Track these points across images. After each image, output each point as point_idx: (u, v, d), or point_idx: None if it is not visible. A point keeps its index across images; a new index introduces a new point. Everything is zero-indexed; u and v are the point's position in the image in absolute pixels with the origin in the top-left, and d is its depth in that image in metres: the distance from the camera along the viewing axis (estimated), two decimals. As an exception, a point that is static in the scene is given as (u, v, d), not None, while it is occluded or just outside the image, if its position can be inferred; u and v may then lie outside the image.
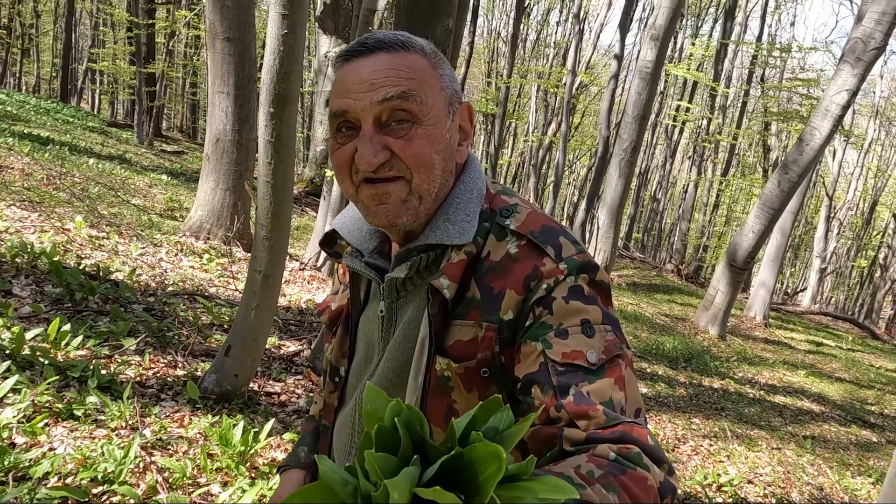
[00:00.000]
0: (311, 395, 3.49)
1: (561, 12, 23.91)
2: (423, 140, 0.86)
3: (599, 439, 0.76)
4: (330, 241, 1.07)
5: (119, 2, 22.78)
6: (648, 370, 6.79)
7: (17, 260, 3.97)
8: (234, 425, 2.72)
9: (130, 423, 2.65)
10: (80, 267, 4.21)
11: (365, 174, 0.86)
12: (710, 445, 5.05)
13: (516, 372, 0.85)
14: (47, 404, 2.58)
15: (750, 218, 9.39)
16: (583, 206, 15.82)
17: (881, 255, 25.13)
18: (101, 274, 4.18)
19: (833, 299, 29.25)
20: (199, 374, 3.25)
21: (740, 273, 9.63)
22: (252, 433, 2.75)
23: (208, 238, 5.97)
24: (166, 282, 4.61)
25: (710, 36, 23.71)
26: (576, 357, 0.81)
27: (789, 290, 27.05)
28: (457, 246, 0.89)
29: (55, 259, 4.04)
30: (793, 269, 30.83)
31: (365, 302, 1.04)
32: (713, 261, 23.74)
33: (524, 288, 0.85)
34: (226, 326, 4.12)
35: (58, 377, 2.78)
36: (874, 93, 23.42)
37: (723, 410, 6.05)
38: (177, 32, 19.69)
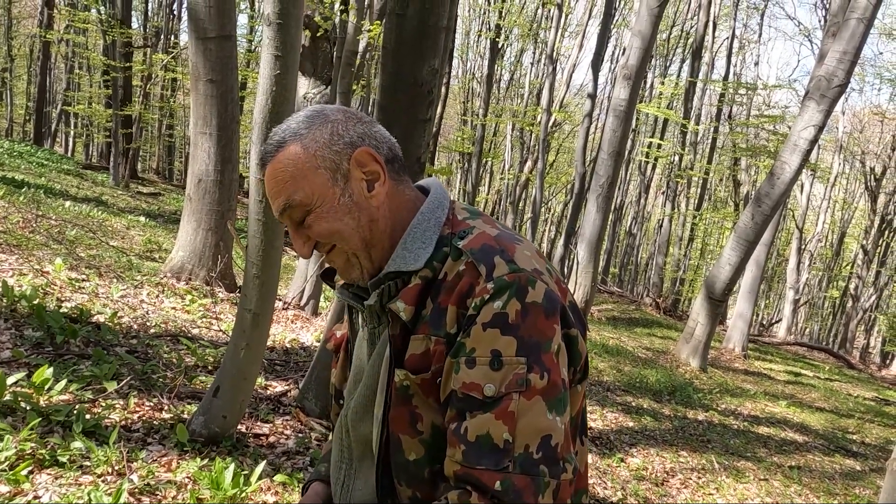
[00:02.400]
0: (300, 435, 3.44)
1: (534, 53, 24.50)
2: (321, 221, 0.97)
3: (457, 477, 0.88)
4: (330, 275, 1.19)
5: (95, 46, 22.82)
6: (633, 403, 6.80)
7: (-4, 304, 3.88)
8: (225, 468, 2.67)
9: (117, 468, 2.58)
10: (61, 310, 4.13)
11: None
12: (699, 478, 5.05)
13: (442, 382, 0.94)
14: (31, 451, 2.51)
15: (726, 251, 9.56)
16: (561, 241, 15.98)
17: (852, 286, 25.64)
18: (82, 316, 4.10)
19: (808, 330, 29.66)
20: (185, 416, 3.19)
21: (719, 305, 9.75)
22: (243, 476, 2.69)
23: (190, 279, 5.90)
24: (148, 324, 4.54)
25: (679, 75, 24.43)
26: (472, 389, 0.88)
27: (765, 322, 27.39)
28: (416, 271, 0.97)
29: (35, 302, 3.96)
30: (767, 301, 31.29)
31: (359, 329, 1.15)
32: (690, 294, 24.01)
33: (461, 304, 0.92)
34: (210, 368, 4.06)
35: (41, 422, 2.71)
36: (837, 129, 24.21)
37: (709, 442, 6.06)
38: (153, 75, 19.75)
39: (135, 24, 21.22)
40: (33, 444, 2.54)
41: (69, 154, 25.41)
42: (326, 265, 1.15)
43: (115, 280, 5.36)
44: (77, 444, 2.63)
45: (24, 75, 30.45)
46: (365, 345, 1.09)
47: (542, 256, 0.99)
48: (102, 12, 16.78)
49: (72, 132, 27.44)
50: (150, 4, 23.46)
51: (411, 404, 0.96)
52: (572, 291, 10.78)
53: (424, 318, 0.95)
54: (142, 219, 10.18)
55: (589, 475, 1.07)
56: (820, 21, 23.56)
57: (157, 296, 5.33)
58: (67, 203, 9.25)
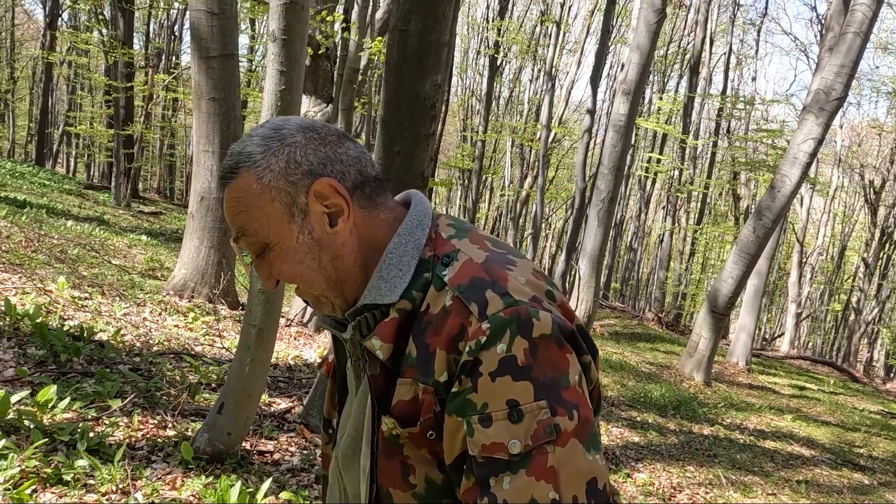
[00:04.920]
0: (304, 452, 3.41)
1: (533, 70, 24.68)
2: (278, 261, 0.88)
3: None
4: None
5: (97, 66, 23.01)
6: (638, 418, 6.75)
7: (0, 322, 3.88)
8: (231, 486, 2.64)
9: (121, 486, 2.56)
10: (64, 328, 4.12)
11: None
12: (707, 493, 5.00)
13: (444, 444, 0.81)
14: (35, 469, 2.49)
15: (728, 264, 9.55)
16: (562, 257, 15.98)
17: (854, 299, 25.60)
18: (85, 335, 4.09)
19: (811, 343, 29.55)
20: (189, 433, 3.17)
21: (722, 319, 9.72)
22: (248, 494, 2.67)
23: (192, 296, 5.90)
24: (151, 341, 4.53)
25: (677, 91, 24.60)
26: (496, 450, 0.76)
27: (767, 336, 27.31)
28: (393, 303, 0.85)
29: (38, 320, 3.95)
30: (769, 315, 31.21)
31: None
32: (692, 308, 23.96)
33: (452, 348, 0.80)
34: (213, 385, 4.04)
35: (45, 441, 2.69)
36: (836, 142, 24.31)
37: (715, 457, 6.02)
38: (155, 95, 19.89)
39: (136, 46, 21.41)
40: (37, 463, 2.52)
41: (71, 174, 25.51)
42: None
43: (117, 298, 5.35)
44: (81, 462, 2.61)
45: (27, 97, 30.67)
46: (352, 376, 0.98)
47: (541, 276, 0.87)
48: (105, 34, 16.95)
49: (73, 152, 27.58)
50: (151, 26, 23.68)
51: (402, 454, 0.85)
52: (574, 307, 10.70)
53: (411, 360, 0.83)
54: (143, 237, 10.20)
55: None
56: (816, 36, 23.79)
57: (160, 313, 5.32)
58: (69, 222, 9.26)
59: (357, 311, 0.90)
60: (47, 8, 21.09)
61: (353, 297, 0.90)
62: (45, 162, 22.31)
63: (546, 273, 0.93)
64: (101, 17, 17.74)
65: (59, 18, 22.40)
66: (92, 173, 27.83)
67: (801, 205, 22.58)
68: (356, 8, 5.73)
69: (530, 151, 22.02)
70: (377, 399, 0.86)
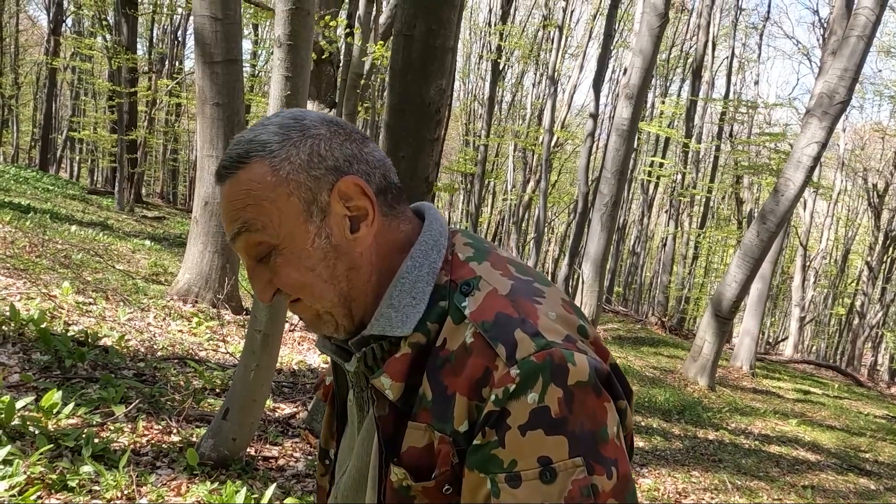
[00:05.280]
0: (309, 458, 3.40)
1: (535, 75, 24.71)
2: (286, 267, 0.76)
3: None
4: None
5: (101, 72, 23.10)
6: (643, 423, 6.73)
7: (4, 328, 3.88)
8: (236, 492, 2.64)
9: (127, 492, 2.56)
10: (69, 333, 4.12)
11: None
12: (712, 498, 4.98)
13: (463, 500, 0.72)
14: (40, 475, 2.49)
15: (732, 268, 9.53)
16: (565, 261, 15.96)
17: (858, 303, 25.53)
18: (89, 340, 4.09)
19: (814, 347, 29.47)
20: (194, 439, 3.16)
21: (726, 323, 9.69)
22: (253, 500, 2.66)
23: (196, 301, 5.90)
24: (155, 346, 4.53)
25: (679, 95, 24.61)
26: None
27: (771, 340, 27.24)
28: (405, 336, 0.76)
29: (43, 326, 3.95)
30: (773, 319, 31.15)
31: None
32: (695, 312, 23.93)
33: (474, 393, 0.70)
34: (218, 390, 4.03)
35: (50, 447, 2.68)
36: (839, 146, 24.29)
37: (720, 462, 5.99)
38: (158, 100, 19.96)
39: (140, 51, 21.50)
40: (42, 469, 2.52)
41: (74, 179, 25.58)
42: None
43: (121, 303, 5.35)
44: (86, 468, 2.60)
45: (31, 102, 30.77)
46: (354, 408, 0.88)
47: (570, 308, 0.78)
48: (108, 39, 17.01)
49: (77, 157, 27.66)
50: (154, 31, 23.76)
51: None
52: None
53: (425, 402, 0.74)
54: (147, 242, 10.21)
55: None
56: (818, 40, 23.79)
57: (164, 318, 5.32)
58: (73, 227, 9.28)
59: (362, 340, 0.80)
60: (51, 14, 21.19)
61: (360, 319, 0.79)
62: (49, 167, 22.38)
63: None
64: (104, 22, 17.82)
65: (63, 24, 22.50)
66: (95, 178, 27.90)
67: (805, 208, 22.55)
68: (360, 12, 5.74)
69: (533, 155, 22.04)
70: (385, 442, 0.76)
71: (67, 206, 12.63)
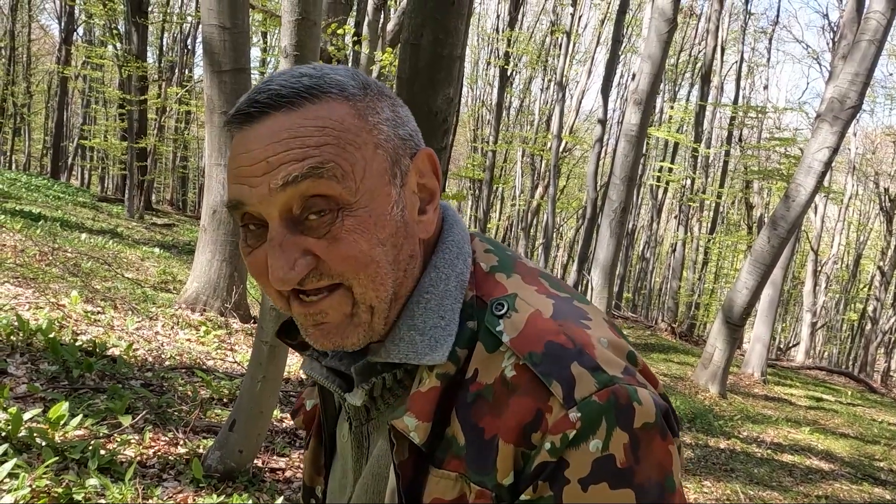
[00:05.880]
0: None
1: (543, 80, 24.70)
2: (356, 233, 0.59)
3: None
4: (291, 329, 0.78)
5: (111, 80, 23.28)
6: (653, 432, 6.67)
7: (13, 338, 3.88)
8: (242, 505, 2.62)
9: (133, 506, 2.54)
10: (77, 343, 4.12)
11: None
12: (725, 509, 4.91)
13: None
14: (46, 489, 2.47)
15: (742, 274, 9.45)
16: (573, 267, 15.91)
17: (870, 308, 25.29)
18: (97, 350, 4.09)
19: (826, 353, 29.22)
20: (201, 451, 3.15)
21: (737, 329, 9.62)
22: (260, 512, 2.64)
23: (204, 310, 5.90)
24: (163, 356, 4.53)
25: (688, 100, 24.53)
26: None
27: (782, 346, 27.02)
28: (429, 365, 0.63)
29: (51, 336, 3.96)
30: (784, 325, 30.91)
31: (341, 407, 0.78)
32: (706, 318, 23.77)
33: (522, 439, 0.58)
34: (226, 400, 4.02)
35: (56, 459, 2.67)
36: (849, 150, 24.13)
37: (732, 472, 5.92)
38: (168, 108, 20.08)
39: (150, 59, 21.66)
40: (48, 482, 2.51)
41: (85, 187, 25.77)
42: (287, 318, 0.74)
43: (130, 312, 5.36)
44: (92, 481, 2.59)
45: (43, 111, 31.07)
46: (350, 444, 0.74)
47: (615, 329, 0.65)
48: (119, 48, 17.14)
49: (88, 165, 27.87)
50: (164, 40, 23.96)
51: None
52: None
53: (456, 448, 0.61)
54: (156, 250, 10.25)
55: None
56: (828, 44, 23.67)
57: (172, 327, 5.32)
58: (83, 235, 9.33)
59: (368, 367, 0.66)
60: (63, 23, 21.40)
61: (380, 333, 0.65)
62: (61, 175, 22.56)
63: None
64: (115, 31, 17.96)
65: (75, 33, 22.72)
66: (106, 186, 28.12)
67: (816, 213, 22.40)
68: (367, 20, 5.75)
69: (541, 161, 22.01)
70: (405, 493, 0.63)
71: (78, 214, 12.71)
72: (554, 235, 21.73)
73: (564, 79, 17.80)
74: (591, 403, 0.57)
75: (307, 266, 0.59)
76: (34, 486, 2.45)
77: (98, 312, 5.06)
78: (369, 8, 5.94)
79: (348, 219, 0.59)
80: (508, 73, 20.92)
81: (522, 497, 0.58)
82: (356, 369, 0.67)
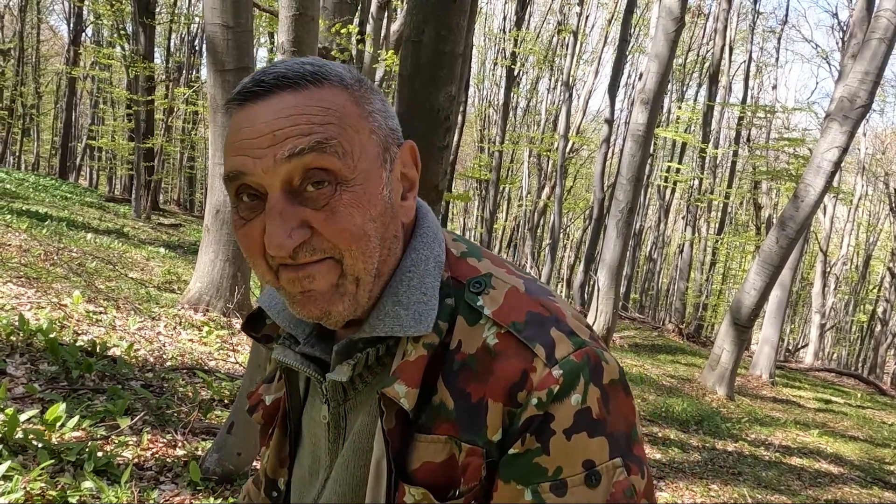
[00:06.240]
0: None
1: (550, 80, 24.63)
2: (352, 207, 0.64)
3: None
4: (257, 322, 0.82)
5: (119, 81, 23.37)
6: (660, 434, 6.60)
7: (13, 338, 3.86)
8: (239, 508, 2.57)
9: (128, 509, 2.51)
10: (77, 343, 4.10)
11: (281, 259, 0.66)
12: (732, 513, 4.84)
13: None
14: (40, 491, 2.44)
15: (750, 275, 9.37)
16: (580, 268, 15.83)
17: (880, 309, 25.08)
18: (98, 350, 4.07)
19: (835, 355, 29.00)
20: (200, 453, 3.11)
21: (745, 331, 9.53)
22: (257, 516, 2.60)
23: (207, 310, 5.88)
24: (165, 356, 4.50)
25: (696, 100, 24.39)
26: None
27: (790, 347, 26.84)
28: (414, 337, 0.68)
29: (51, 336, 3.94)
30: (792, 326, 30.70)
31: (306, 396, 0.82)
32: (713, 319, 23.63)
33: (509, 398, 0.64)
34: (226, 401, 3.99)
35: (52, 461, 2.64)
36: (859, 150, 23.93)
37: (740, 475, 5.85)
38: (175, 108, 20.13)
39: (157, 60, 21.71)
40: (43, 485, 2.48)
41: (93, 187, 25.88)
42: (252, 310, 0.82)
43: (132, 312, 5.34)
44: (88, 483, 2.56)
45: (51, 111, 31.23)
46: (323, 429, 0.76)
47: (571, 306, 0.74)
48: (126, 49, 17.19)
49: (96, 165, 27.98)
50: (172, 40, 24.03)
51: None
52: (593, 318, 10.49)
53: (446, 413, 0.66)
54: (162, 250, 10.25)
55: None
56: (837, 43, 23.50)
57: (175, 328, 5.30)
58: (89, 235, 9.33)
59: (351, 345, 0.71)
60: (71, 24, 21.49)
61: (357, 312, 0.69)
62: (69, 175, 22.65)
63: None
64: (122, 32, 18.02)
65: (83, 34, 22.82)
66: (114, 186, 28.22)
67: (825, 214, 22.23)
68: (371, 20, 5.71)
69: (548, 161, 21.94)
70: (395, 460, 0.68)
71: (84, 214, 12.73)
72: (560, 236, 21.65)
73: (571, 79, 17.73)
74: (570, 362, 0.64)
75: (303, 236, 0.64)
76: (28, 489, 2.42)
77: (100, 312, 5.04)
78: (373, 7, 5.90)
79: (346, 193, 0.64)
80: (515, 74, 20.86)
81: (511, 451, 0.64)
82: (338, 348, 0.71)
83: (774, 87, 33.38)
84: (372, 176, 0.66)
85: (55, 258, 6.72)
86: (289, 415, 0.82)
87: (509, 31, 20.24)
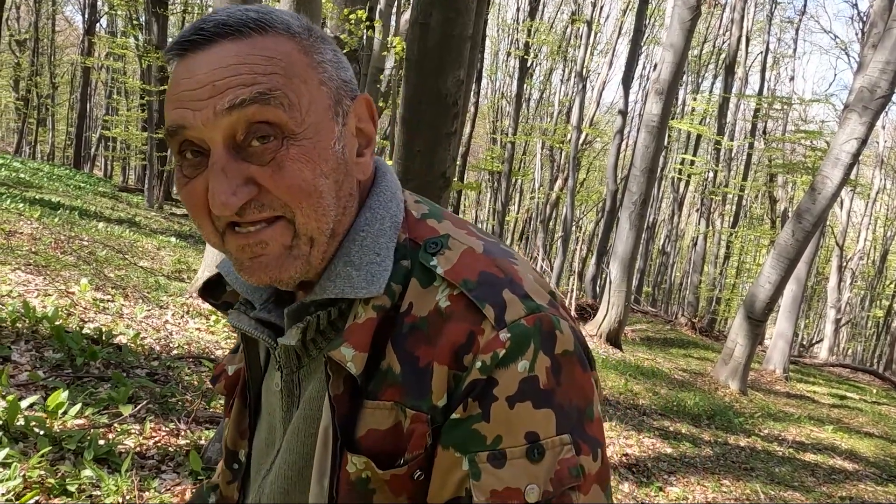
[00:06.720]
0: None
1: (563, 71, 24.42)
2: (300, 162, 0.60)
3: None
4: (215, 289, 0.79)
5: (133, 71, 23.44)
6: (671, 428, 6.52)
7: (18, 325, 3.85)
8: (239, 499, 2.54)
9: (128, 498, 2.47)
10: (83, 331, 4.08)
11: (227, 218, 0.62)
12: (744, 509, 4.76)
13: (432, 485, 0.62)
14: (39, 479, 2.41)
15: (765, 269, 9.23)
16: (592, 260, 15.71)
17: (897, 305, 24.74)
18: (103, 338, 4.05)
19: (850, 350, 28.68)
20: (202, 442, 3.08)
21: (758, 325, 9.40)
22: (258, 507, 2.56)
23: (215, 299, 5.86)
24: (171, 345, 4.47)
25: (711, 91, 24.10)
26: (510, 498, 0.58)
27: (805, 342, 26.56)
28: (365, 299, 0.64)
29: (57, 323, 3.91)
30: (807, 321, 30.38)
31: (266, 366, 0.79)
32: (727, 313, 23.41)
33: (454, 361, 0.60)
34: (232, 390, 3.95)
35: (52, 449, 2.62)
36: (878, 143, 23.55)
37: (752, 471, 5.76)
38: (188, 99, 20.11)
39: (170, 50, 21.70)
40: (42, 472, 2.45)
41: (107, 177, 26.02)
42: (210, 276, 0.78)
43: (140, 301, 5.32)
44: (87, 472, 2.52)
45: (66, 102, 31.41)
46: (279, 396, 0.74)
47: (538, 272, 0.69)
48: (140, 39, 17.21)
49: (110, 156, 28.11)
50: (185, 30, 24.00)
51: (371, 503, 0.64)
52: (605, 311, 10.41)
53: (392, 378, 0.63)
54: (173, 239, 10.26)
55: None
56: (857, 34, 23.09)
57: (182, 316, 5.28)
58: (101, 224, 9.35)
59: (302, 308, 0.67)
60: (86, 14, 21.56)
61: (310, 274, 0.66)
62: (83, 165, 22.78)
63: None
64: (136, 22, 18.04)
65: (98, 24, 22.88)
66: (128, 176, 28.37)
67: (842, 208, 21.92)
68: (380, 6, 5.63)
69: (560, 153, 21.77)
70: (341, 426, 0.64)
71: (97, 203, 12.78)
72: (573, 228, 21.50)
73: (585, 70, 17.54)
74: (519, 325, 0.60)
75: (249, 194, 0.60)
76: (27, 476, 2.40)
77: (108, 300, 5.03)
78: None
79: (293, 147, 0.60)
80: (528, 64, 20.69)
81: (453, 416, 0.60)
82: (289, 312, 0.68)
83: (792, 79, 32.92)
84: (322, 129, 0.62)
85: (66, 246, 6.73)
86: (248, 385, 0.79)
87: (522, 22, 20.05)
